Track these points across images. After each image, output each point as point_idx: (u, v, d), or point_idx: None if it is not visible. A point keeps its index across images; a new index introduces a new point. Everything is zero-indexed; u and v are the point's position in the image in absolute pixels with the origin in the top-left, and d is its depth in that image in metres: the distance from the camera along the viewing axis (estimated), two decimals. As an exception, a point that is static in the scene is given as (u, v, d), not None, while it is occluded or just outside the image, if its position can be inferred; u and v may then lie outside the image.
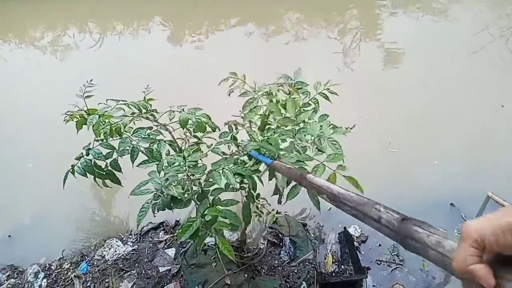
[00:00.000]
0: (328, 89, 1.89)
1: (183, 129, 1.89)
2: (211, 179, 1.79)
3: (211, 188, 1.94)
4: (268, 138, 1.67)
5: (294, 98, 1.77)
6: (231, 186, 1.85)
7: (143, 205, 1.64)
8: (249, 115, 1.66)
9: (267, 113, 1.79)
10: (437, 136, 3.92)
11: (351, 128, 1.66)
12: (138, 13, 7.10)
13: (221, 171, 1.65)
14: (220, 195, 1.99)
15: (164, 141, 2.08)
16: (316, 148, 1.55)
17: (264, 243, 3.00)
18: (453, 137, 3.89)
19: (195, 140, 2.12)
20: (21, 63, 6.15)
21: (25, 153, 4.01)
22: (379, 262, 2.88)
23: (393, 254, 2.92)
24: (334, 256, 2.94)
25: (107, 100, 2.12)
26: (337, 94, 1.84)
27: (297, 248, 2.95)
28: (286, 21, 6.46)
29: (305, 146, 1.62)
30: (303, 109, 1.77)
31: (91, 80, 2.09)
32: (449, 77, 4.68)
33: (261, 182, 1.92)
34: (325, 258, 2.93)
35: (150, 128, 2.10)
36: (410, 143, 3.87)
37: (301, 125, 1.70)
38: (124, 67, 5.35)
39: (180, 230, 1.61)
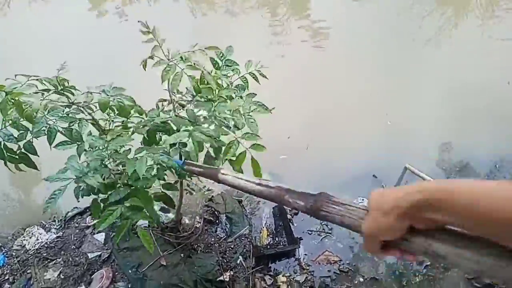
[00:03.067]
0: (259, 70, 1.88)
1: (103, 112, 1.74)
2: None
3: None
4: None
5: (215, 72, 1.74)
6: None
7: (54, 191, 1.50)
8: (174, 84, 1.58)
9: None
10: (360, 112, 4.15)
11: (271, 110, 1.68)
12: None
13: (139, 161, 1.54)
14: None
15: (86, 120, 1.92)
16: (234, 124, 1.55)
17: (200, 222, 2.99)
18: (374, 114, 4.15)
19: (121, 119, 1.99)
20: None
21: None
22: (310, 232, 3.05)
23: (322, 223, 3.10)
24: (269, 230, 3.04)
25: (15, 75, 1.88)
26: (266, 78, 1.83)
27: (233, 224, 2.99)
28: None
29: (223, 120, 1.61)
30: (228, 85, 1.75)
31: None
32: (368, 57, 4.91)
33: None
34: (260, 232, 3.02)
35: (69, 106, 1.91)
36: (335, 119, 4.04)
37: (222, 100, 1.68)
38: (37, 36, 4.79)
39: (99, 218, 1.51)
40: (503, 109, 3.99)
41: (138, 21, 1.61)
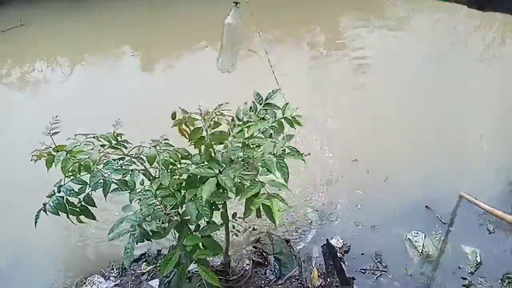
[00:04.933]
0: (294, 116, 1.95)
1: (150, 165, 1.89)
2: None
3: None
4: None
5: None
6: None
7: (125, 246, 1.63)
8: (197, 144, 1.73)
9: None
10: (411, 139, 4.05)
11: (306, 155, 1.72)
12: (106, 44, 7.09)
13: (194, 202, 1.65)
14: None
15: (138, 171, 2.07)
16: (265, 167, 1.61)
17: (249, 264, 2.98)
18: (425, 140, 4.02)
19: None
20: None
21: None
22: (363, 271, 2.90)
23: (376, 261, 2.95)
24: (320, 270, 2.94)
25: (75, 135, 2.10)
26: (300, 125, 1.89)
27: (282, 265, 2.94)
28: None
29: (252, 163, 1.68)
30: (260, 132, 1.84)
31: (57, 116, 2.07)
32: (418, 83, 4.85)
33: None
34: (311, 273, 2.93)
35: (122, 158, 2.09)
36: (384, 150, 3.96)
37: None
38: (96, 98, 5.31)
39: (163, 263, 1.61)
40: None
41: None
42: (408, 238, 3.06)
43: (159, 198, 1.80)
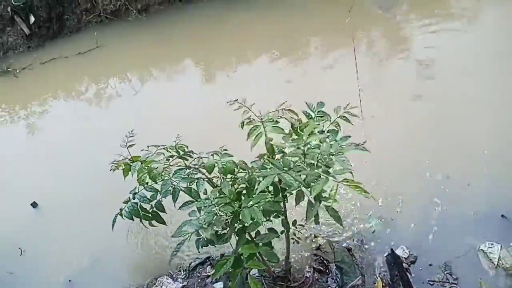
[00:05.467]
0: (349, 111, 1.98)
1: (209, 174, 2.02)
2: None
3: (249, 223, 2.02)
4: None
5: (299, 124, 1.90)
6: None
7: (178, 244, 1.76)
8: (254, 142, 1.81)
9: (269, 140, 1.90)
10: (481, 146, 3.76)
11: (362, 144, 1.73)
12: (171, 58, 7.56)
13: (248, 209, 1.73)
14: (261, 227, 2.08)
15: (203, 179, 2.21)
16: (324, 164, 1.63)
17: (310, 271, 2.99)
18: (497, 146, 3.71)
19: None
20: (70, 117, 6.69)
21: (79, 200, 4.30)
22: (432, 283, 2.76)
23: (445, 272, 2.78)
24: (384, 280, 2.85)
25: (148, 146, 2.31)
26: (356, 116, 1.91)
27: (344, 274, 2.90)
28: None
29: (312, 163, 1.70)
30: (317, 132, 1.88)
31: (132, 130, 2.30)
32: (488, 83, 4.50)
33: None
34: (375, 283, 2.85)
35: (189, 167, 2.25)
36: (452, 156, 3.73)
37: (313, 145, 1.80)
38: (163, 111, 5.69)
39: (216, 267, 1.70)
40: None
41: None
42: (482, 249, 2.84)
43: (218, 206, 1.91)
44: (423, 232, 3.10)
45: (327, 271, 2.95)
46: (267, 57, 6.55)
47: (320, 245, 3.12)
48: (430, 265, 2.87)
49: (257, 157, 2.12)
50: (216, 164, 1.98)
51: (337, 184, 1.65)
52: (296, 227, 2.55)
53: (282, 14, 7.44)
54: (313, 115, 2.18)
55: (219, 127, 4.68)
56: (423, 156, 3.74)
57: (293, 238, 2.55)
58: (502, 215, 3.04)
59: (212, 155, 2.02)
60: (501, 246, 2.84)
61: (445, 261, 2.85)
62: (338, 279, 2.87)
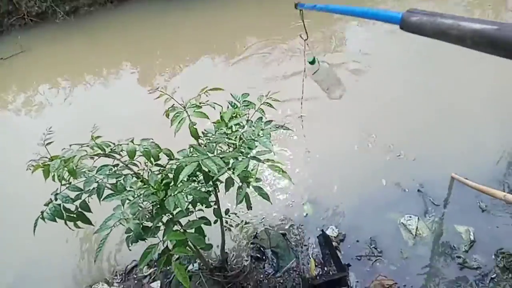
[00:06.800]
0: (271, 97, 2.09)
1: (131, 159, 2.00)
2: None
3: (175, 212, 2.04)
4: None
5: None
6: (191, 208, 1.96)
7: (99, 245, 1.74)
8: (177, 127, 1.85)
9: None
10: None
11: (281, 126, 1.85)
12: (103, 63, 7.29)
13: (174, 197, 1.75)
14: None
15: (131, 175, 2.18)
16: (247, 146, 1.71)
17: (247, 260, 3.06)
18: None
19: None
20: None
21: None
22: (359, 258, 2.96)
23: (371, 247, 3.00)
24: (316, 260, 3.01)
25: (70, 145, 2.23)
26: (278, 100, 2.02)
27: (280, 258, 3.01)
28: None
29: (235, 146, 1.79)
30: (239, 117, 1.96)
31: (50, 128, 2.21)
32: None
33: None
34: (308, 263, 2.99)
35: (116, 165, 2.20)
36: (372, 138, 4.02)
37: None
38: (95, 114, 5.48)
39: (141, 257, 1.70)
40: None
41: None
42: (402, 223, 3.11)
43: (142, 197, 1.90)
44: (351, 211, 3.32)
45: (264, 257, 3.04)
46: (204, 58, 6.58)
47: (257, 233, 3.21)
48: (357, 241, 3.07)
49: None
50: (137, 149, 1.96)
51: (258, 164, 1.76)
52: (229, 215, 2.61)
53: (215, 15, 7.52)
54: (238, 104, 2.26)
55: (156, 129, 4.60)
56: (350, 139, 3.99)
57: (225, 226, 2.60)
58: (418, 190, 3.34)
59: (131, 141, 2.00)
60: (418, 218, 3.12)
61: (370, 236, 3.07)
62: (274, 264, 2.98)
